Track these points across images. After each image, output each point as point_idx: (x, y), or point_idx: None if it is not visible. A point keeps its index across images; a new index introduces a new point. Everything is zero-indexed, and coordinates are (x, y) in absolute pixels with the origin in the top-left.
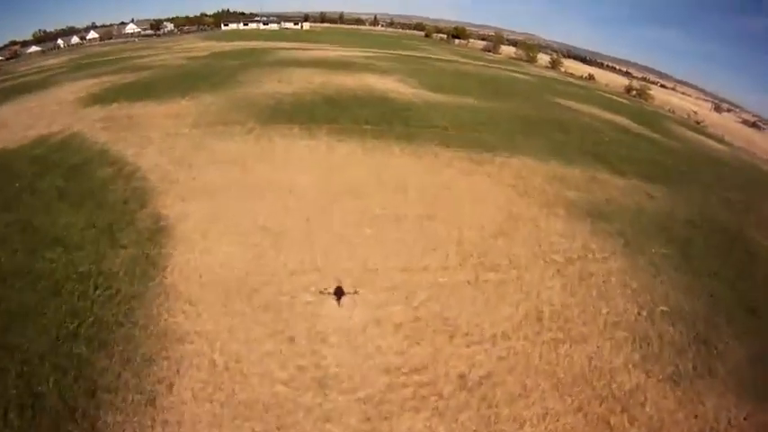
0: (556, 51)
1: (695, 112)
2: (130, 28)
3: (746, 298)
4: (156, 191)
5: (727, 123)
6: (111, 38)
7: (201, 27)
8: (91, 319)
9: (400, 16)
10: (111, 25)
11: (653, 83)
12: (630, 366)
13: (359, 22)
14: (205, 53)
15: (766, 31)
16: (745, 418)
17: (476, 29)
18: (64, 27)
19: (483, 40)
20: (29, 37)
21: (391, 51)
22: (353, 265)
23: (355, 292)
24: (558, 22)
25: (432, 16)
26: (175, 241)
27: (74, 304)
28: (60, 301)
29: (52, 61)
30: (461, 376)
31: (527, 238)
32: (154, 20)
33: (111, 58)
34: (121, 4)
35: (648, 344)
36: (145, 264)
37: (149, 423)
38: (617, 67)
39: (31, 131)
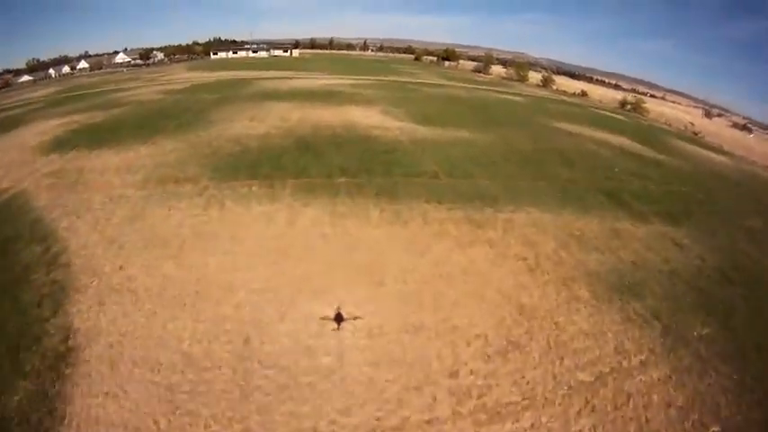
0: (545, 68)
1: (692, 124)
2: (120, 57)
3: None
4: (76, 286)
5: (720, 130)
6: (101, 68)
7: (191, 56)
8: None
9: (390, 40)
10: (102, 55)
11: (643, 93)
12: None
13: (349, 47)
14: (186, 85)
15: (752, 36)
16: None
17: (465, 50)
18: (57, 56)
19: (473, 60)
20: (23, 65)
21: (379, 78)
22: (297, 426)
23: (355, 318)
24: (545, 40)
25: (421, 39)
26: (79, 375)
27: None
28: None
29: (38, 93)
30: None
31: (544, 350)
32: (143, 49)
33: (92, 91)
34: (116, 33)
35: None
36: (42, 408)
37: None
38: (606, 81)
39: None
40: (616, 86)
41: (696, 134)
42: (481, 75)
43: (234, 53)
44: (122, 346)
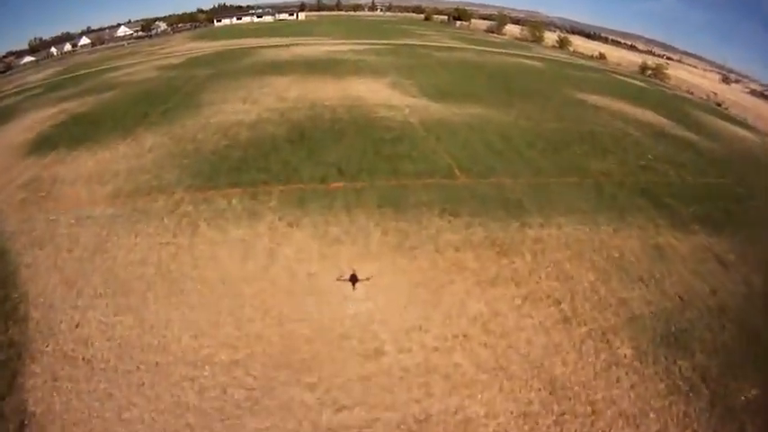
0: (559, 28)
1: (715, 93)
2: (122, 31)
3: None
4: (31, 352)
5: (739, 98)
6: (102, 42)
7: (195, 24)
8: None
9: None
10: (104, 29)
11: (659, 56)
12: None
13: (357, 8)
14: (182, 59)
15: None
16: None
17: (476, 8)
18: (60, 33)
19: (485, 19)
20: (26, 45)
21: (388, 41)
22: None
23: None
24: None
25: None
26: None
27: None
28: None
29: (37, 76)
30: None
31: None
32: (145, 21)
33: (89, 71)
34: (119, 3)
35: None
36: None
37: None
38: (621, 41)
39: None
40: (632, 47)
41: (719, 105)
42: (495, 35)
43: (238, 19)
44: None
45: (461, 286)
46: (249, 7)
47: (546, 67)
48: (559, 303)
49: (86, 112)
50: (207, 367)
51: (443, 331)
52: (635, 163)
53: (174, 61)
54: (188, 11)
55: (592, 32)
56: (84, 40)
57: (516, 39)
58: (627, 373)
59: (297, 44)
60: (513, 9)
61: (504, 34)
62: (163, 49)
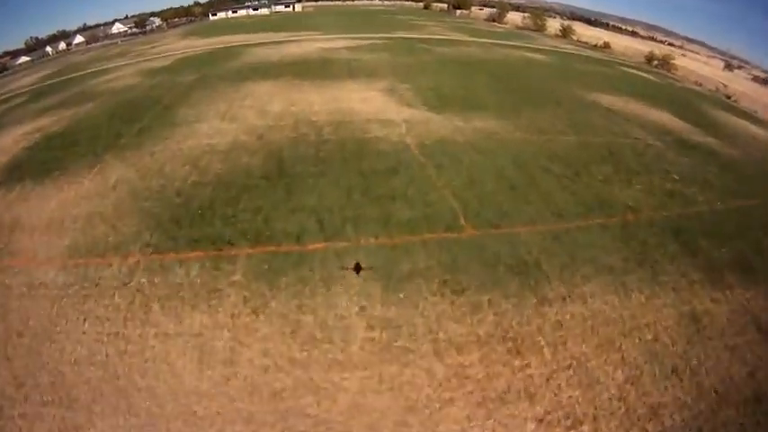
0: (559, 14)
1: (724, 85)
2: (116, 28)
3: None
4: None
5: (745, 87)
6: (97, 40)
7: (191, 18)
8: None
9: None
10: (99, 26)
11: (661, 42)
12: None
13: None
14: (169, 61)
15: None
16: None
17: None
18: (55, 31)
19: (485, 6)
20: (23, 44)
21: (384, 35)
22: None
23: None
24: None
25: None
26: None
27: None
28: None
29: (27, 80)
30: None
31: None
32: (138, 17)
33: (76, 74)
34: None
35: None
36: None
37: None
38: (622, 27)
39: None
40: (633, 34)
41: (729, 97)
42: (496, 24)
43: (234, 12)
44: None
45: (462, 409)
46: (240, 0)
47: (553, 62)
48: (581, 424)
49: (60, 131)
50: None
51: None
52: (661, 187)
53: (160, 64)
54: (185, 4)
55: (593, 18)
56: (79, 39)
57: (518, 28)
58: None
59: (289, 40)
60: None
61: (506, 23)
62: (153, 47)
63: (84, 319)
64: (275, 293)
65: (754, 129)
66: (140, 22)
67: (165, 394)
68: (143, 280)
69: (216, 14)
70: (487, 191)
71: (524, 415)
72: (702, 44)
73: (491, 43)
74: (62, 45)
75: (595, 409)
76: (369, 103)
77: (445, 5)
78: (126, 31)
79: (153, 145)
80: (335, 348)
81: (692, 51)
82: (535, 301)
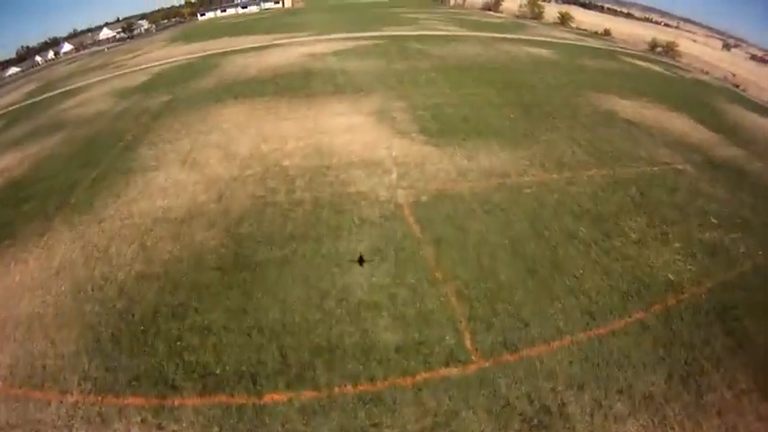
0: None
1: (733, 74)
2: (104, 33)
3: None
4: None
5: (746, 69)
6: (85, 48)
7: (180, 19)
8: None
9: None
10: (89, 31)
11: (657, 23)
12: None
13: None
14: (145, 77)
15: None
16: None
17: None
18: (47, 39)
19: None
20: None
21: (375, 33)
22: None
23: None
24: None
25: None
26: None
27: None
28: None
29: (9, 98)
30: None
31: None
32: (126, 22)
33: (52, 94)
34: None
35: None
36: None
37: None
38: (617, 9)
39: None
40: (628, 15)
41: (737, 86)
42: (492, 14)
43: (222, 11)
44: None
45: None
46: None
47: (559, 59)
48: None
49: (20, 177)
50: None
51: None
52: (701, 240)
53: (134, 83)
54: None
55: (587, 1)
56: (67, 47)
57: (516, 17)
58: None
59: (273, 44)
60: None
61: (502, 11)
62: (136, 56)
63: None
64: None
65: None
66: (128, 26)
67: None
68: None
69: (204, 14)
70: (502, 284)
71: None
72: (698, 24)
73: (491, 38)
74: (51, 54)
75: None
76: (354, 134)
77: None
78: (114, 36)
79: (104, 206)
80: None
81: (689, 32)
82: None
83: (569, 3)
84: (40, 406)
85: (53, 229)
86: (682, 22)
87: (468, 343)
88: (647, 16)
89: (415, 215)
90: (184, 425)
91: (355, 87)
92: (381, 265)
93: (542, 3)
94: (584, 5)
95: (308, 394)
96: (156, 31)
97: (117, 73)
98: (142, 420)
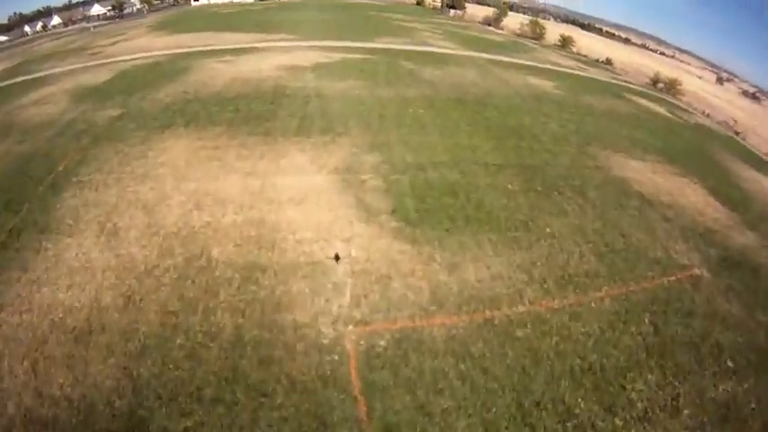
0: (553, 16)
1: (735, 120)
2: (95, 9)
3: None
4: None
5: (740, 105)
6: (74, 22)
7: (174, 2)
8: None
9: None
10: (81, 3)
11: (653, 50)
12: None
13: None
14: (108, 75)
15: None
16: None
17: None
18: (40, 8)
19: (479, 4)
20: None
21: (366, 44)
22: None
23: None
24: None
25: None
26: None
27: None
28: None
29: None
30: None
31: None
32: (116, 1)
33: (19, 80)
34: None
35: None
36: None
37: None
38: (615, 33)
39: None
40: (626, 41)
41: (738, 133)
42: (493, 29)
43: None
44: None
45: None
46: None
47: (563, 96)
48: None
49: None
50: None
51: None
52: (712, 414)
53: (98, 80)
54: None
55: (586, 22)
56: (56, 20)
57: (516, 35)
58: None
59: (253, 48)
60: None
61: (502, 27)
62: (115, 43)
63: None
64: None
65: None
66: (118, 5)
67: None
68: None
69: (198, 0)
70: None
71: None
72: (693, 55)
73: (489, 61)
74: (39, 25)
75: None
76: (307, 210)
77: (438, 3)
78: (105, 13)
79: (6, 286)
80: None
81: (683, 62)
82: None
83: (569, 22)
84: None
85: None
86: (677, 52)
87: None
88: (644, 43)
89: (365, 378)
90: None
91: (325, 124)
92: None
93: (543, 22)
94: (582, 26)
95: None
96: (147, 12)
97: (88, 63)
98: None
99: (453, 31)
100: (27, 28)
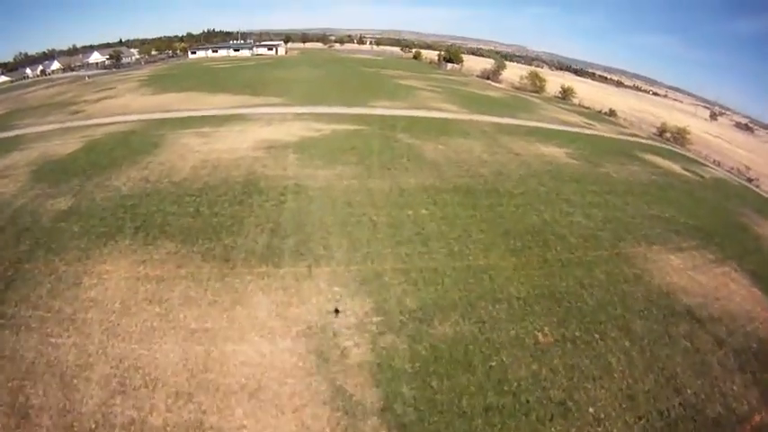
0: (546, 63)
1: (747, 167)
2: (94, 57)
3: None
4: None
5: (743, 142)
6: (72, 69)
7: (173, 53)
8: None
9: (388, 31)
10: (86, 48)
11: (645, 91)
12: None
13: (342, 42)
14: (76, 147)
15: (752, 35)
16: None
17: (464, 42)
18: (45, 49)
19: (473, 54)
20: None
21: (360, 110)
22: None
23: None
24: (545, 33)
25: (419, 30)
26: None
27: None
28: None
29: None
30: None
31: None
32: (114, 50)
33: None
34: (113, 21)
35: None
36: None
37: None
38: (608, 77)
39: None
40: (618, 83)
41: (751, 180)
42: (492, 84)
43: (214, 51)
44: None
45: None
46: (231, 35)
47: (579, 167)
48: None
49: None
50: None
51: None
52: None
53: (65, 151)
54: (179, 33)
55: (579, 68)
56: (55, 65)
57: (516, 88)
58: None
59: (235, 117)
60: (500, 44)
61: (501, 81)
62: (100, 100)
63: None
64: None
65: None
66: (115, 54)
67: None
68: None
69: (195, 53)
70: None
71: None
72: (684, 92)
73: (495, 127)
74: (40, 68)
75: None
76: (259, 419)
77: (435, 56)
78: (104, 61)
79: None
80: None
81: (676, 100)
82: None
83: (562, 69)
84: None
85: None
86: (669, 91)
87: None
88: (635, 84)
89: None
90: None
91: (300, 243)
92: None
93: (542, 74)
94: (575, 71)
95: None
96: (144, 63)
97: (65, 124)
98: None
99: (453, 88)
100: (28, 70)
